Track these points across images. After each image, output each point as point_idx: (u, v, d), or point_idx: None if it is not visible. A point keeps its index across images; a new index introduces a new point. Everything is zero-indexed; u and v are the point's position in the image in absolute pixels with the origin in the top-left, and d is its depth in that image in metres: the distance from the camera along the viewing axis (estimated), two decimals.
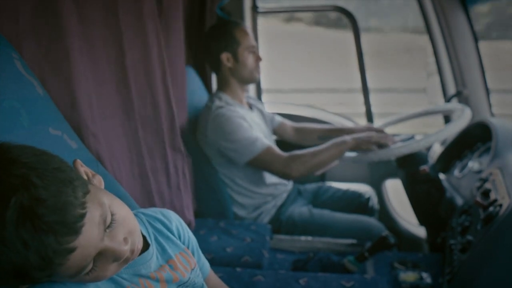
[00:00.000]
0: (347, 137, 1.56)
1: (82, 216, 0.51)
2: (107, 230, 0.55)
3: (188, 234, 0.78)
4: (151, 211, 0.76)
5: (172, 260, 0.71)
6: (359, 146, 1.53)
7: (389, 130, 1.81)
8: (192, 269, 0.74)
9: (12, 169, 0.49)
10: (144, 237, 0.68)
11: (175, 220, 0.77)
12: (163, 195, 1.28)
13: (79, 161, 0.63)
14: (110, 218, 0.56)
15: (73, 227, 0.50)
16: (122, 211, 0.59)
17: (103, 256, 0.55)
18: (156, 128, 1.26)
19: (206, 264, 0.83)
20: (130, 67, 1.14)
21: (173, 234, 0.74)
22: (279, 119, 1.94)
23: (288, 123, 1.97)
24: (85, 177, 0.61)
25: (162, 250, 0.71)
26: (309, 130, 1.95)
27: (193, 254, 0.78)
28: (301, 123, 1.99)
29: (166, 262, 0.70)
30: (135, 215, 0.70)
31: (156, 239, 0.71)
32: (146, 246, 0.68)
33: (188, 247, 0.77)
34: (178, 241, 0.75)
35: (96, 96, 1.03)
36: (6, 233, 0.47)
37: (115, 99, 1.11)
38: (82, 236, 0.51)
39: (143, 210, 0.76)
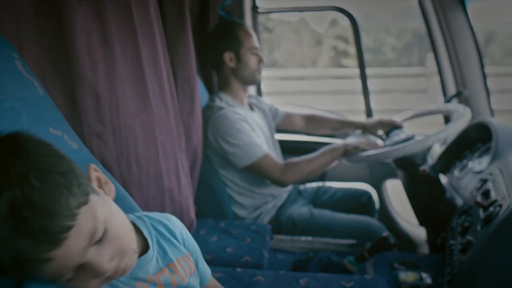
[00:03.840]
0: (339, 145, 1.61)
1: (68, 228, 0.49)
2: (96, 245, 0.53)
3: (192, 241, 0.78)
4: (155, 214, 0.76)
5: (172, 264, 0.71)
6: (349, 153, 1.57)
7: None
8: (192, 274, 0.74)
9: (16, 163, 0.48)
10: (145, 239, 0.69)
11: (179, 226, 0.77)
12: (174, 196, 1.28)
13: (93, 166, 0.61)
14: (101, 234, 0.54)
15: (55, 238, 0.48)
16: (118, 228, 0.57)
17: (84, 268, 0.53)
18: (167, 127, 1.26)
19: (208, 272, 0.83)
20: (145, 65, 1.14)
21: (176, 238, 0.75)
22: (283, 111, 1.95)
23: (296, 113, 1.98)
24: (95, 183, 0.59)
25: (164, 253, 0.71)
26: (321, 119, 1.97)
27: (196, 262, 0.78)
28: (312, 113, 2.00)
29: (167, 265, 0.70)
30: (139, 217, 0.71)
31: (158, 242, 0.71)
32: (146, 249, 0.68)
33: (191, 255, 0.77)
34: (181, 246, 0.75)
35: (114, 94, 1.03)
36: None
37: (134, 97, 1.11)
38: (61, 248, 0.49)
39: (147, 213, 0.76)
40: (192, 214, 1.41)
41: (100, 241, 0.54)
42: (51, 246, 0.48)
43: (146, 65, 1.14)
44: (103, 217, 0.54)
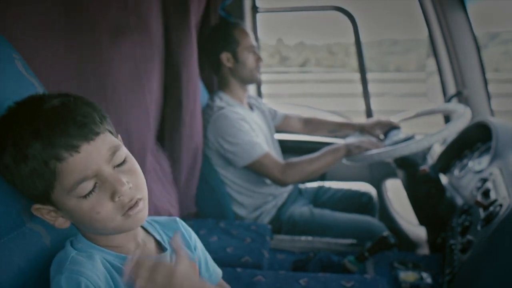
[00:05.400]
0: (340, 145, 1.60)
1: (96, 132, 0.60)
2: (116, 168, 0.62)
3: (200, 244, 0.80)
4: (164, 219, 0.78)
5: None
6: (352, 153, 1.56)
7: None
8: None
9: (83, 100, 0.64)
10: (159, 242, 0.73)
11: (189, 230, 0.80)
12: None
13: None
14: (122, 159, 0.63)
15: (86, 133, 0.59)
16: (136, 167, 0.65)
17: (102, 186, 0.60)
18: (138, 128, 1.26)
19: (217, 272, 0.84)
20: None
21: (187, 242, 0.77)
22: (282, 113, 1.95)
23: (294, 115, 1.98)
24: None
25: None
26: (319, 122, 1.97)
27: (200, 266, 0.79)
28: (310, 115, 2.01)
29: None
30: (150, 223, 0.74)
31: (170, 245, 0.74)
32: (161, 250, 0.72)
33: (198, 260, 0.79)
34: (189, 251, 0.77)
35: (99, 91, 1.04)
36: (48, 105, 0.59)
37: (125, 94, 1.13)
38: (88, 145, 0.59)
39: (157, 218, 0.78)
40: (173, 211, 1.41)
41: (119, 166, 0.63)
42: (81, 137, 0.59)
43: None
44: (126, 151, 0.65)
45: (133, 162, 0.66)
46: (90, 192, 0.60)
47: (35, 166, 0.58)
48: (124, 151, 0.64)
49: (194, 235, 0.80)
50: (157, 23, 1.29)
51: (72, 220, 0.64)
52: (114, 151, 0.62)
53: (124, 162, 0.64)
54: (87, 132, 0.59)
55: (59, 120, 0.58)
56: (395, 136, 1.65)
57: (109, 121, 0.66)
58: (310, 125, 1.98)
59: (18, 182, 0.61)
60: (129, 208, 0.62)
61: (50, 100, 0.60)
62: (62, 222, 0.65)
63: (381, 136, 1.76)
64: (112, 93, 1.12)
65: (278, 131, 1.96)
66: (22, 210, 0.67)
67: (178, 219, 0.79)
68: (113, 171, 0.62)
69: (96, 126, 0.61)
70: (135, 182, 0.64)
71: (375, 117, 1.88)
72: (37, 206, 0.63)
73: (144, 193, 0.66)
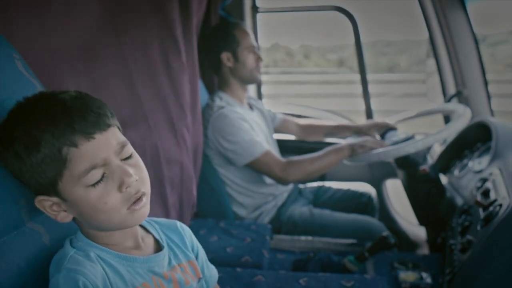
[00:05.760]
0: (344, 145, 1.59)
1: (107, 124, 0.63)
2: (123, 161, 0.64)
3: (198, 248, 0.81)
4: (164, 221, 0.79)
5: (182, 264, 0.74)
6: (356, 152, 1.55)
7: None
8: (199, 279, 0.77)
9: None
10: (157, 241, 0.74)
11: (188, 232, 0.80)
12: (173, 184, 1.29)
13: None
14: (129, 153, 0.65)
15: (99, 123, 0.62)
16: (142, 163, 0.67)
17: (110, 176, 0.62)
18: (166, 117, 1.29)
19: (214, 275, 0.85)
20: (133, 63, 1.17)
21: (185, 244, 0.78)
22: (280, 116, 1.96)
23: (292, 119, 1.98)
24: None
25: (174, 254, 0.75)
26: (315, 126, 1.97)
27: (202, 267, 0.80)
28: (307, 120, 2.01)
29: (178, 264, 0.74)
30: (149, 222, 0.75)
31: (168, 245, 0.75)
32: (158, 249, 0.73)
33: (197, 258, 0.79)
34: (188, 251, 0.77)
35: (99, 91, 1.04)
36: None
37: (120, 93, 1.13)
38: (101, 135, 0.61)
39: (156, 219, 0.79)
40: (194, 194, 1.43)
41: (126, 159, 0.65)
42: (96, 126, 0.61)
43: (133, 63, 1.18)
44: (132, 149, 0.67)
45: (138, 159, 0.68)
46: (98, 182, 0.61)
47: (47, 152, 0.59)
48: (130, 148, 0.67)
49: (195, 240, 0.81)
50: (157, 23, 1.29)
51: (76, 213, 0.64)
52: (123, 145, 0.65)
53: (130, 157, 0.66)
54: (101, 122, 0.62)
55: (76, 108, 0.60)
56: (394, 137, 1.65)
57: (116, 118, 0.68)
58: (307, 130, 1.99)
59: (27, 170, 0.61)
60: (135, 200, 0.64)
61: (64, 93, 0.63)
62: (64, 216, 0.65)
63: (378, 138, 1.76)
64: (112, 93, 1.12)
65: (276, 133, 1.97)
66: (22, 209, 0.67)
67: (178, 222, 0.80)
68: (121, 164, 0.63)
69: (107, 119, 0.63)
70: (141, 176, 0.66)
71: (372, 119, 1.88)
72: (41, 197, 0.63)
73: (147, 188, 0.67)
